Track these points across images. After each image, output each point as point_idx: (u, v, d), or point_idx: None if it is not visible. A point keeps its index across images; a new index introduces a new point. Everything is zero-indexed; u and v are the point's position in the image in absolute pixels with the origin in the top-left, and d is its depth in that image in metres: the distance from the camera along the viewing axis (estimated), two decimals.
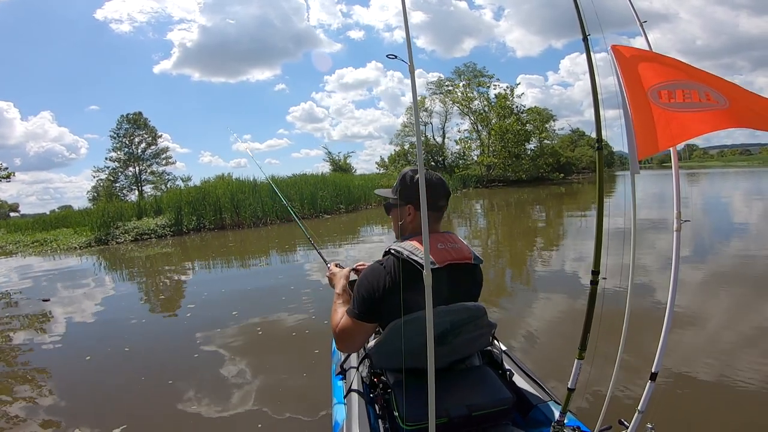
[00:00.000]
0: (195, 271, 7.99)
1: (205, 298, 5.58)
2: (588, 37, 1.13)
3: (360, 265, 1.72)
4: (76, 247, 12.46)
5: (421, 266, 1.11)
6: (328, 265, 1.84)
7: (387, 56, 0.98)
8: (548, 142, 36.01)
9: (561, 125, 43.86)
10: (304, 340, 3.62)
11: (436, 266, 1.23)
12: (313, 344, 3.42)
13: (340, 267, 1.77)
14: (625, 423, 1.36)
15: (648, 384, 1.33)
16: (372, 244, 8.88)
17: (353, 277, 1.63)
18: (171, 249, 11.10)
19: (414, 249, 1.25)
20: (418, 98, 1.02)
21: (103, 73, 79.16)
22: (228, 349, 3.60)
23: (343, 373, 1.67)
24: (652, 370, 1.32)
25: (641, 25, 1.24)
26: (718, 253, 5.96)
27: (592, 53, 1.13)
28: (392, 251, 1.30)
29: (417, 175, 1.35)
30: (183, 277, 7.48)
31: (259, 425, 2.44)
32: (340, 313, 1.40)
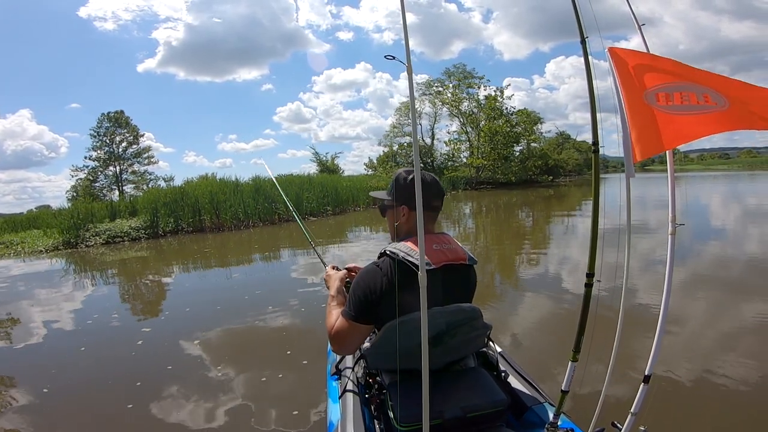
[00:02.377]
0: (162, 283, 7.16)
1: (165, 320, 4.86)
2: (586, 39, 1.13)
3: (351, 267, 1.72)
4: (42, 251, 11.74)
5: (417, 267, 1.09)
6: (326, 267, 1.83)
7: (385, 57, 0.96)
8: (536, 144, 36.41)
9: (547, 128, 44.33)
10: (281, 388, 2.92)
11: (432, 267, 1.22)
12: (291, 401, 2.68)
13: (338, 269, 1.75)
14: (618, 425, 1.36)
15: (641, 386, 1.34)
16: (360, 248, 8.82)
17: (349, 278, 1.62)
18: (143, 253, 10.57)
19: (409, 250, 1.23)
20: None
21: (85, 71, 77.37)
22: (178, 396, 2.90)
23: (338, 373, 1.67)
24: (645, 373, 1.33)
25: (639, 28, 1.25)
26: (704, 256, 6.00)
27: (589, 56, 1.14)
28: (388, 252, 1.28)
29: (410, 176, 1.34)
30: (146, 291, 6.69)
31: None
32: (335, 315, 1.38)
